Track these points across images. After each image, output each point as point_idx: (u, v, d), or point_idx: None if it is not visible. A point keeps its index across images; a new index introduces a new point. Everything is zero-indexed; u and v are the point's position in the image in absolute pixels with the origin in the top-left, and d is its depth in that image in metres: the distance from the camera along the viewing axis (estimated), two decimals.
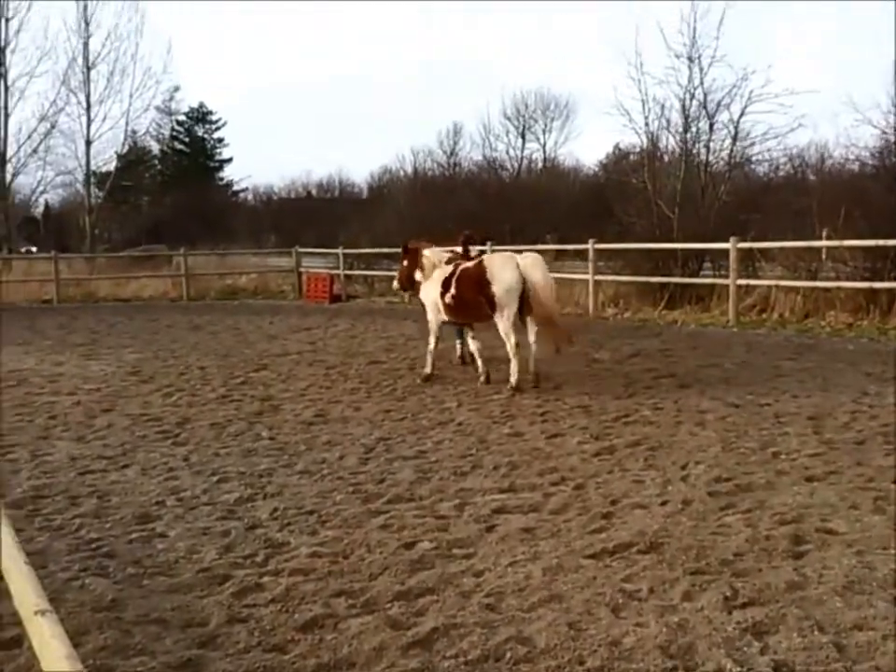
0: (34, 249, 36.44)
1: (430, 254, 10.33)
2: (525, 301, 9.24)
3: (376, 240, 24.21)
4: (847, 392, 8.67)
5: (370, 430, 7.74)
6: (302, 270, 26.42)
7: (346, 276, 25.03)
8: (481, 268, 9.41)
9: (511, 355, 9.27)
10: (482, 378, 9.83)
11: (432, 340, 10.18)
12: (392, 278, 23.93)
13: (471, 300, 9.40)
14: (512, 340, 9.18)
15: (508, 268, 9.24)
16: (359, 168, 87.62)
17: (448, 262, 10.11)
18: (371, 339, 14.70)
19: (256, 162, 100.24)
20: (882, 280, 13.82)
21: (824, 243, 15.04)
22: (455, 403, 8.86)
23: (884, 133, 16.10)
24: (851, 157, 18.98)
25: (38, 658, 2.67)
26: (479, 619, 3.88)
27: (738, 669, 3.38)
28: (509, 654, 3.56)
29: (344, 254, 24.97)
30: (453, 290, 9.55)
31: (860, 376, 9.54)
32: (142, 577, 4.45)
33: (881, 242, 13.30)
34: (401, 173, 41.58)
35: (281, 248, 33.14)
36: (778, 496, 5.51)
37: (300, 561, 4.64)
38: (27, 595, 2.96)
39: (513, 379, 9.29)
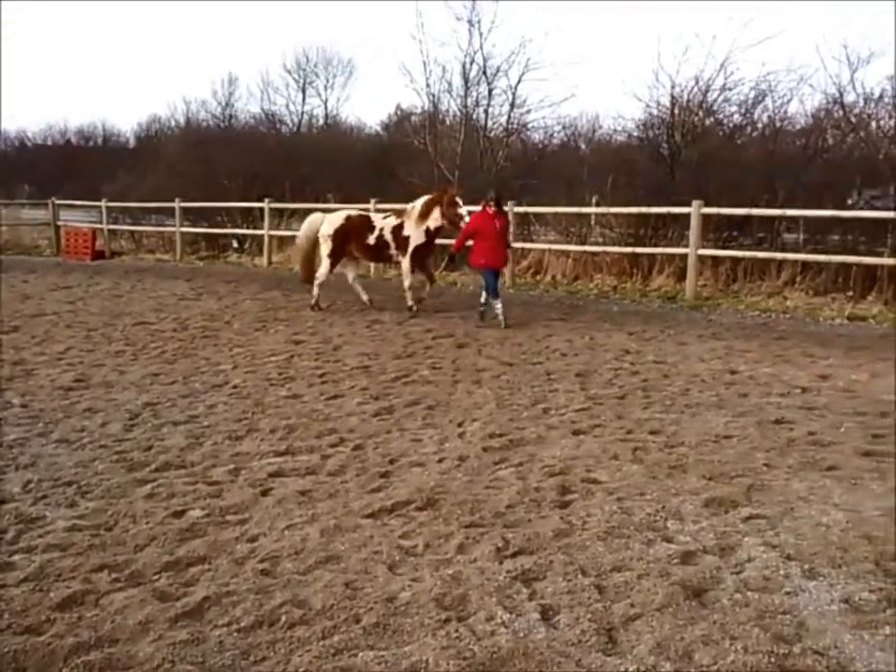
0: None
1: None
2: None
3: (145, 193, 22.83)
4: (611, 350, 9.24)
5: (136, 395, 7.29)
6: (61, 223, 24.47)
7: (111, 231, 23.48)
8: None
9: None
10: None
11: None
12: (162, 234, 22.93)
13: None
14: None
15: None
16: (126, 115, 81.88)
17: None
18: (139, 298, 13.87)
19: (3, 104, 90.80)
20: (644, 246, 14.85)
21: (593, 209, 15.91)
22: (231, 365, 8.54)
23: (647, 105, 17.20)
24: (618, 128, 20.15)
25: None
26: (253, 585, 3.77)
27: (508, 616, 3.49)
28: (284, 618, 3.49)
29: (108, 207, 23.36)
30: None
31: (622, 335, 10.20)
32: None
33: (643, 209, 14.28)
34: (172, 122, 39.38)
35: (36, 200, 30.44)
36: (548, 449, 5.76)
37: (56, 536, 4.29)
38: None
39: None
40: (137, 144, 46.43)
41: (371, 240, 12.20)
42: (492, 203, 10.99)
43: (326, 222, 12.37)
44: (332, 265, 12.39)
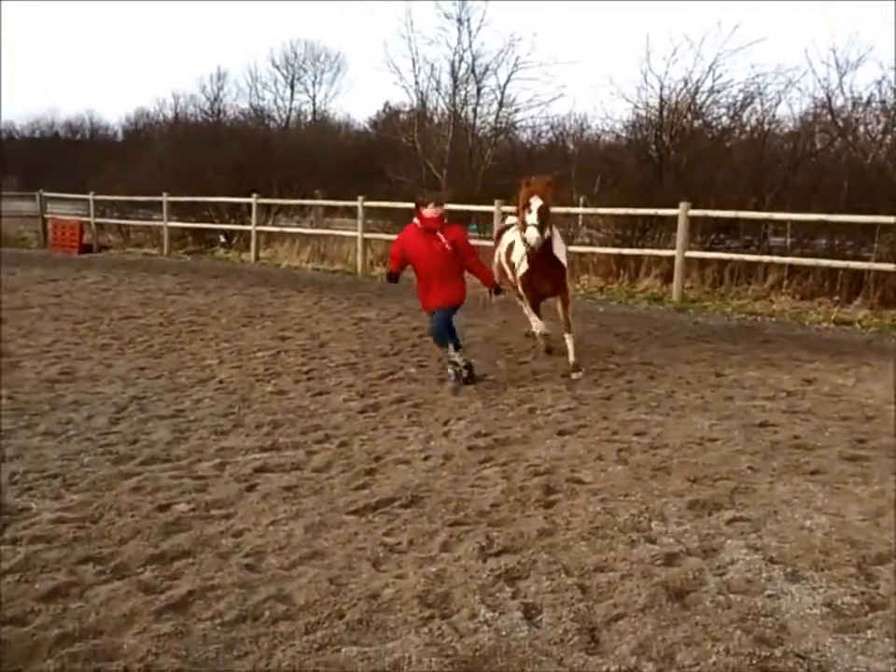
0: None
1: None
2: None
3: (133, 187, 22.72)
4: (597, 351, 9.24)
5: (122, 388, 7.27)
6: (48, 216, 24.37)
7: (98, 225, 23.37)
8: None
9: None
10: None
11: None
12: (149, 228, 22.80)
13: None
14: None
15: None
16: (114, 109, 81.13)
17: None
18: (126, 292, 13.81)
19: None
20: (631, 247, 14.89)
21: (580, 210, 15.94)
22: (217, 360, 8.52)
23: (636, 107, 17.19)
24: (607, 129, 20.14)
25: None
26: (237, 579, 3.77)
27: (491, 614, 3.50)
28: (267, 613, 3.49)
29: (96, 200, 23.25)
30: None
31: (610, 336, 10.20)
32: None
33: (631, 210, 14.30)
34: (161, 117, 39.08)
35: (23, 192, 30.24)
36: (533, 449, 5.78)
37: (41, 528, 4.28)
38: None
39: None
40: (125, 137, 46.14)
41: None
42: (426, 208, 7.30)
43: None
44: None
